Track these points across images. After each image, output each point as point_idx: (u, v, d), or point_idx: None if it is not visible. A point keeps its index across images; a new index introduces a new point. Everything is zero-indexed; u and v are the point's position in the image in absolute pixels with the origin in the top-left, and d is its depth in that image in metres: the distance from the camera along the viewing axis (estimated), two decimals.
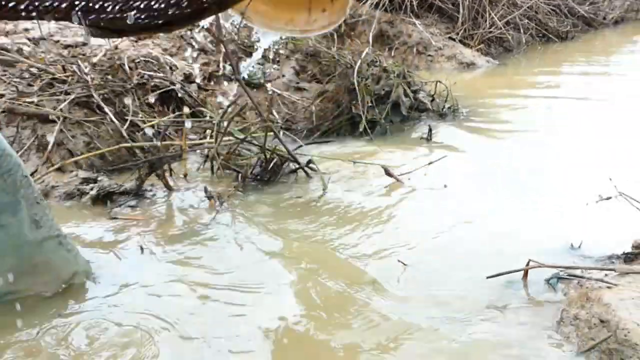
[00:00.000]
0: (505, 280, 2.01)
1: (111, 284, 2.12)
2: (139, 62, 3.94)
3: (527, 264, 2.01)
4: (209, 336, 1.79)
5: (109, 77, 3.72)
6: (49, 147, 3.08)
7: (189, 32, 4.71)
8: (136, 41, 4.44)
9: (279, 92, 4.18)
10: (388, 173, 2.92)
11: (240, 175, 3.00)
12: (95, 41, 4.40)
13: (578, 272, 1.99)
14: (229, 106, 3.48)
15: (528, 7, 6.94)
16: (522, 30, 6.86)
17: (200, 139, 3.47)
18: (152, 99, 3.61)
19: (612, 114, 4.01)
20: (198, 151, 3.43)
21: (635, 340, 1.57)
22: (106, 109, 3.38)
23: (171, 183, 2.97)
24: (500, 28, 6.58)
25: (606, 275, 1.94)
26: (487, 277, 1.98)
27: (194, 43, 4.55)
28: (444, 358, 1.69)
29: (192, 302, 1.99)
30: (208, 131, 3.51)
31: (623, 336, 1.60)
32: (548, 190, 2.72)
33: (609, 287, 1.82)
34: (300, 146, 3.50)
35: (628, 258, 2.09)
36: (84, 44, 4.28)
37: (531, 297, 1.95)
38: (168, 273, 2.19)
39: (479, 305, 1.92)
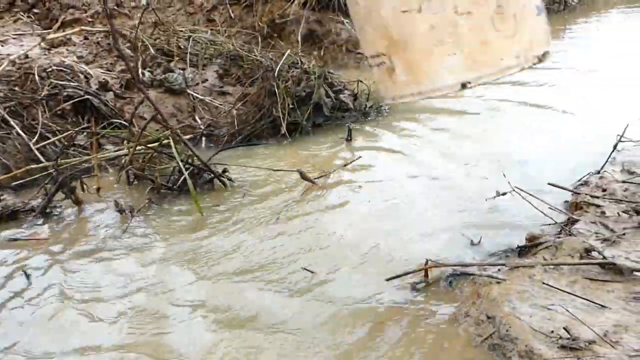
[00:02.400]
0: (406, 281, 2.06)
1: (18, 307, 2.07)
2: (51, 71, 3.79)
3: (426, 264, 2.06)
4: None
5: (17, 88, 3.57)
6: None
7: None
8: (49, 49, 4.28)
9: (200, 97, 4.11)
10: (303, 177, 2.93)
11: (154, 186, 2.94)
12: (3, 50, 4.21)
13: (473, 269, 2.05)
14: (151, 119, 3.36)
15: None
16: None
17: (116, 150, 3.38)
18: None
19: (541, 108, 4.04)
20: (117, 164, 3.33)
21: (515, 334, 1.63)
22: (12, 123, 3.24)
23: (83, 198, 2.88)
24: None
25: (498, 270, 2.01)
26: (386, 280, 2.02)
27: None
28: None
29: (95, 325, 1.95)
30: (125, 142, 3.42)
31: (505, 331, 1.66)
32: (453, 186, 2.79)
33: (498, 283, 1.89)
34: (220, 150, 3.45)
35: (522, 252, 2.18)
36: None
37: (430, 297, 2.00)
38: (73, 294, 2.13)
39: (378, 307, 1.95)
